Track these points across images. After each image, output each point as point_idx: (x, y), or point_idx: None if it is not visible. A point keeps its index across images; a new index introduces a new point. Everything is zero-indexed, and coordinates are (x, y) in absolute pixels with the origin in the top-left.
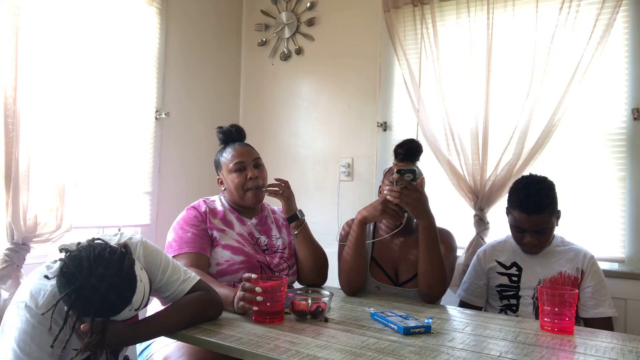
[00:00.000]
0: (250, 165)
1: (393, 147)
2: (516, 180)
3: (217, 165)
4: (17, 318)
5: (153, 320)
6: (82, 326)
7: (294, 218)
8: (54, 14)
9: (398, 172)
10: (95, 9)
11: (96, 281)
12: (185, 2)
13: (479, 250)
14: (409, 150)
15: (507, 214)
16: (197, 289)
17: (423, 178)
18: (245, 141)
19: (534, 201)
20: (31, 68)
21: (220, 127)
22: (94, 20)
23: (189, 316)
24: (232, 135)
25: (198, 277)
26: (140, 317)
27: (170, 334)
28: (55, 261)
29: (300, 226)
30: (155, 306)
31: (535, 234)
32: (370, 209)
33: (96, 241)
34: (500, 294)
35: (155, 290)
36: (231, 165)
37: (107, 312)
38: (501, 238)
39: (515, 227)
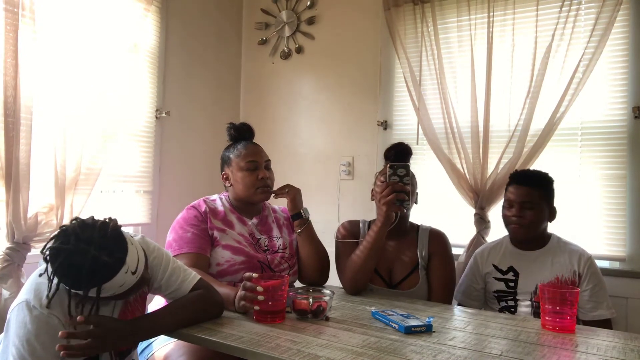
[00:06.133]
0: (262, 166)
1: None
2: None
3: (226, 161)
4: (20, 317)
5: (152, 318)
6: (78, 318)
7: (298, 216)
8: (54, 13)
9: (391, 167)
10: (96, 8)
11: (85, 244)
12: (185, 0)
13: (475, 252)
14: (398, 153)
15: (504, 198)
16: (197, 288)
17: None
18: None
19: (526, 174)
20: (31, 66)
21: (232, 124)
22: (95, 19)
23: (188, 315)
24: (244, 133)
25: (199, 276)
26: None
27: (170, 332)
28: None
29: (304, 224)
30: (156, 306)
31: (520, 208)
32: (379, 212)
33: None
34: (497, 299)
35: (156, 288)
36: (243, 163)
37: (102, 275)
38: (497, 240)
39: (505, 204)
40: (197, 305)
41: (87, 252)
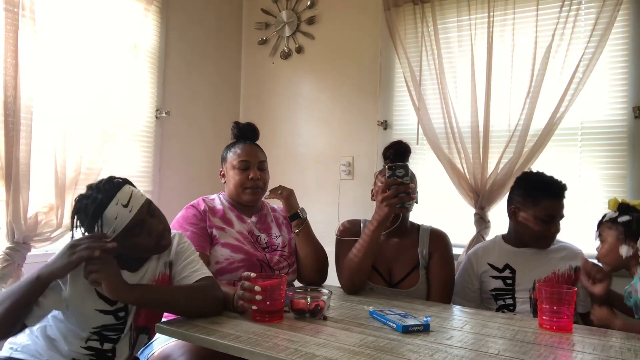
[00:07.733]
0: (254, 166)
1: None
2: (521, 177)
3: (223, 159)
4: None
5: (151, 285)
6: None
7: (296, 217)
8: (54, 13)
9: (389, 167)
10: (96, 8)
11: (88, 190)
12: (185, 0)
13: (469, 253)
14: (397, 152)
15: (525, 209)
16: (203, 281)
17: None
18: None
19: (560, 185)
20: (31, 66)
21: (237, 123)
22: (95, 19)
23: (184, 298)
24: (246, 133)
25: (210, 274)
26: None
27: (162, 309)
28: None
29: (302, 224)
30: None
31: (558, 222)
32: (379, 212)
33: None
34: (495, 298)
35: (174, 273)
36: (236, 162)
37: (97, 206)
38: (488, 240)
39: (544, 218)
40: (197, 294)
41: (89, 195)
